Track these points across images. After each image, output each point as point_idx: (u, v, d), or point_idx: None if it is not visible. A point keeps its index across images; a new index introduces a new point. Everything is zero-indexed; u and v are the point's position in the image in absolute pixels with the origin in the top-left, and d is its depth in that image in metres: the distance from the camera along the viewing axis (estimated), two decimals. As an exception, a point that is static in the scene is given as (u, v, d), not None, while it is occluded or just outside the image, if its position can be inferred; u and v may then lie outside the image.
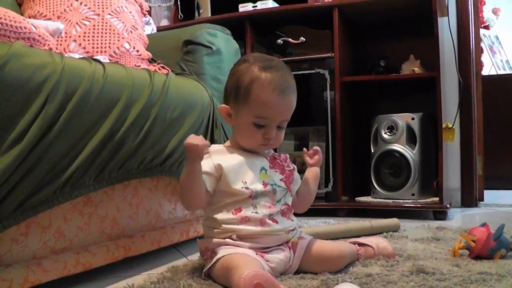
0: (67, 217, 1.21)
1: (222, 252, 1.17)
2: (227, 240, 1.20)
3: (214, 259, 1.17)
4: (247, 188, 1.21)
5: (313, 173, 1.40)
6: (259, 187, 1.23)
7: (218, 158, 1.22)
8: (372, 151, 2.52)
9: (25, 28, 1.18)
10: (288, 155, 1.37)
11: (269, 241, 1.23)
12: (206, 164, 1.20)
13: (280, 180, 1.28)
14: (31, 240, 1.12)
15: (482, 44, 3.70)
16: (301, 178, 1.38)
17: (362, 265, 1.30)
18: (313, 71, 2.57)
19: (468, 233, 1.38)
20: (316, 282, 1.14)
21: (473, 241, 1.33)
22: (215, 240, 1.22)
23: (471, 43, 2.74)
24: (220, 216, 1.22)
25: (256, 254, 1.17)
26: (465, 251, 1.38)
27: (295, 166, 1.36)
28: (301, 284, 1.13)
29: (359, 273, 1.21)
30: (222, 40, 1.87)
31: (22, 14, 1.75)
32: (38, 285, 1.12)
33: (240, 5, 2.75)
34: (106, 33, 1.70)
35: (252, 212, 1.21)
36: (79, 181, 1.18)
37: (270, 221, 1.22)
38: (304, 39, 2.60)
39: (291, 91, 1.25)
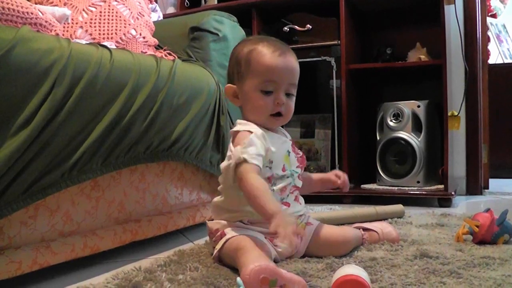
0: (75, 201, 1.22)
1: (231, 233, 1.18)
2: (238, 223, 1.22)
3: (224, 240, 1.17)
4: (270, 168, 1.21)
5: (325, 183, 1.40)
6: (279, 171, 1.23)
7: (266, 139, 1.20)
8: (378, 138, 2.52)
9: (31, 13, 1.18)
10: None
11: None
12: (261, 147, 1.17)
13: (297, 167, 1.29)
14: (39, 223, 1.13)
15: (489, 33, 3.68)
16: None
17: (367, 249, 1.32)
18: (319, 59, 2.57)
19: (472, 218, 1.38)
20: (321, 265, 1.16)
21: (477, 226, 1.34)
22: (225, 222, 1.23)
23: (477, 31, 2.72)
24: (237, 195, 1.19)
25: (265, 238, 1.18)
26: (469, 237, 1.39)
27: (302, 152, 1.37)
28: (306, 267, 1.14)
29: (363, 257, 1.23)
30: (229, 27, 1.88)
31: (28, 0, 1.75)
32: (47, 267, 1.14)
33: (246, -8, 2.73)
34: (112, 19, 1.71)
35: None
36: (86, 165, 1.19)
37: (282, 205, 1.23)
38: (311, 27, 2.59)
39: (291, 54, 1.26)
